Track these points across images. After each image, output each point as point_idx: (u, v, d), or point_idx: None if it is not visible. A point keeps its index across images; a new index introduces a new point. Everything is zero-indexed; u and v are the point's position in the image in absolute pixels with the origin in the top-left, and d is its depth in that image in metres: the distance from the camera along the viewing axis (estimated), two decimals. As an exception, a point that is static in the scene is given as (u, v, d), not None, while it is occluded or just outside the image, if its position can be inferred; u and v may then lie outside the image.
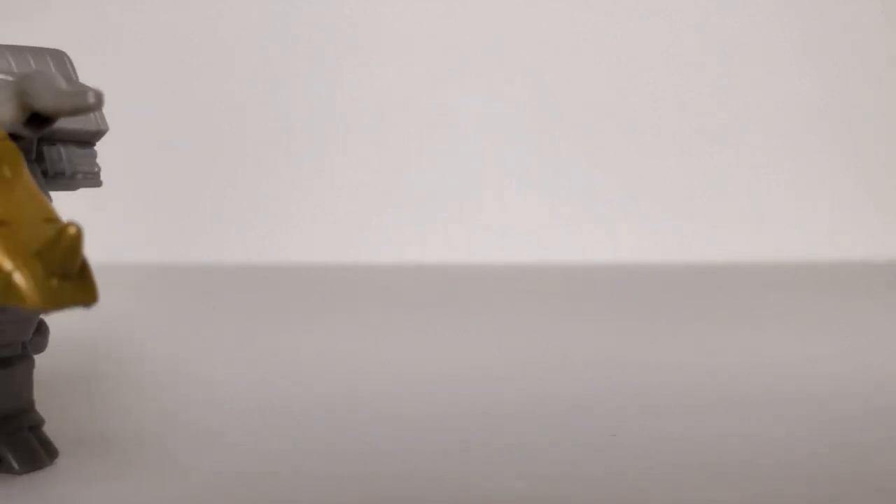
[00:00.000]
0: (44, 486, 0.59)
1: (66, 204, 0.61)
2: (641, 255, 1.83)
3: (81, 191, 0.63)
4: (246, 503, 0.56)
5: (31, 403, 0.62)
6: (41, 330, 0.63)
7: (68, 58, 0.63)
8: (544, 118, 1.91)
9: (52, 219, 0.49)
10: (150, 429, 0.71)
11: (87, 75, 0.62)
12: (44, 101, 0.50)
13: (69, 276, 0.45)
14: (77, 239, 0.45)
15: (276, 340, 1.08)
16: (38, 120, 0.53)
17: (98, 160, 0.63)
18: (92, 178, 0.62)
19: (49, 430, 0.63)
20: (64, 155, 0.61)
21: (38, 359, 0.62)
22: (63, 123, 0.59)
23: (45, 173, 0.59)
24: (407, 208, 1.87)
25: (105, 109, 0.58)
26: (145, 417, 0.75)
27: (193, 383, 0.86)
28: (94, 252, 0.53)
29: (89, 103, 0.49)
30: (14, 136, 0.53)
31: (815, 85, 2.00)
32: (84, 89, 0.49)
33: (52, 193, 0.59)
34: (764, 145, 1.99)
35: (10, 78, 0.53)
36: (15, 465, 0.59)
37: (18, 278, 0.44)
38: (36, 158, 0.58)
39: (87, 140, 0.61)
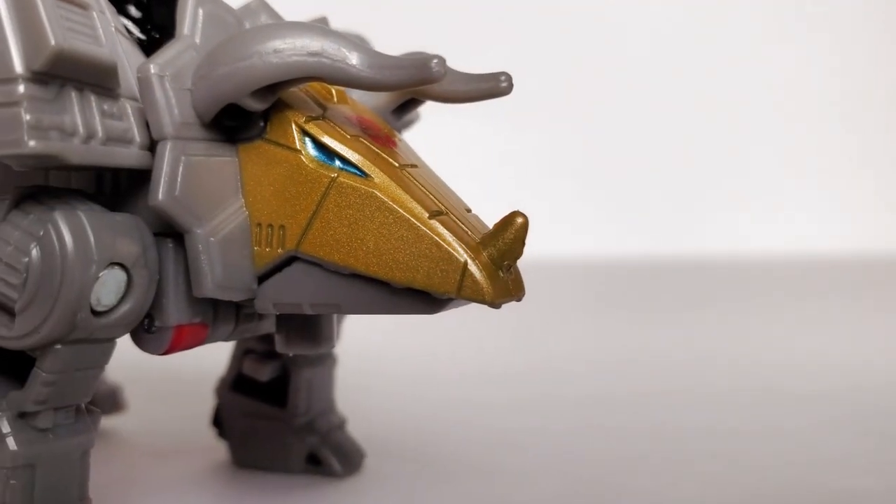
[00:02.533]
0: (364, 489, 0.56)
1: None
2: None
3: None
4: None
5: (334, 402, 0.60)
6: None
7: (369, 42, 0.61)
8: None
9: (468, 208, 0.46)
10: (433, 425, 0.69)
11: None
12: (453, 86, 0.47)
13: (508, 268, 0.43)
14: (525, 229, 0.42)
15: (545, 333, 1.07)
16: (404, 107, 0.51)
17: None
18: None
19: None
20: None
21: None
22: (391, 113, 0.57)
23: None
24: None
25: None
26: (424, 414, 0.72)
27: (461, 381, 0.84)
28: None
29: (502, 87, 0.46)
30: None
31: (846, 84, 2.03)
32: (496, 73, 0.47)
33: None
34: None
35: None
36: (338, 467, 0.57)
37: (474, 270, 0.42)
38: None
39: (402, 129, 0.59)
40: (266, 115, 0.44)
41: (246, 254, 0.43)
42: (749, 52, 2.01)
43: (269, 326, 0.49)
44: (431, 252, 0.42)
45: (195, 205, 0.42)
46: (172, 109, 0.42)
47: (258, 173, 0.44)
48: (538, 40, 1.94)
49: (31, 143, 0.36)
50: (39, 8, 0.37)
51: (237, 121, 0.44)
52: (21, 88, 0.37)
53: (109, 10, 0.46)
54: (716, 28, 2.01)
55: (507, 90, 0.46)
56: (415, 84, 0.41)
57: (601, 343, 1.04)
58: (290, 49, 0.41)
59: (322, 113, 0.45)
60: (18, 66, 0.37)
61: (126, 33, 0.46)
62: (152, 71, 0.41)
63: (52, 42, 0.36)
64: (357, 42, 0.42)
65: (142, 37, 0.49)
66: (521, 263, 0.43)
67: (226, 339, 0.47)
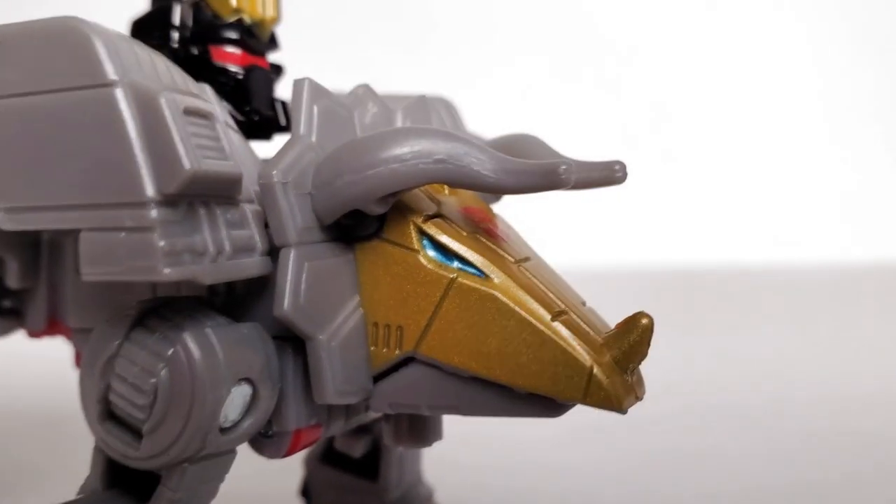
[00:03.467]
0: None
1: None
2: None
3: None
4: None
5: (422, 473, 0.59)
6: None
7: (455, 107, 0.60)
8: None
9: (583, 301, 0.45)
10: (512, 485, 0.68)
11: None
12: None
13: (632, 371, 0.42)
14: (650, 330, 0.41)
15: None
16: None
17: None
18: None
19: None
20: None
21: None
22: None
23: None
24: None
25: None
26: (496, 473, 0.70)
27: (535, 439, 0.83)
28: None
29: (617, 177, 0.45)
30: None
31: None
32: (610, 163, 0.45)
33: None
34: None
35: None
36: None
37: (600, 375, 0.41)
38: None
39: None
40: (382, 214, 0.43)
41: (362, 354, 0.43)
42: (773, 68, 2.00)
43: (375, 414, 0.48)
44: (556, 357, 0.41)
45: (317, 310, 0.41)
46: (295, 216, 0.41)
47: (375, 272, 0.43)
48: (557, 55, 1.93)
49: (167, 270, 0.35)
50: (172, 128, 0.36)
51: (354, 220, 0.43)
52: (153, 213, 0.36)
53: (219, 104, 0.45)
54: (738, 48, 1.99)
55: (621, 179, 0.45)
56: (541, 190, 0.40)
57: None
58: (415, 157, 0.40)
59: (437, 209, 0.44)
60: (150, 189, 0.35)
61: (233, 124, 0.45)
62: (275, 179, 0.40)
63: (188, 166, 0.35)
64: (480, 144, 0.41)
65: (240, 118, 0.48)
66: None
67: (337, 433, 0.46)
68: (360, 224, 0.43)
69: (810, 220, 1.94)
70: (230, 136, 0.41)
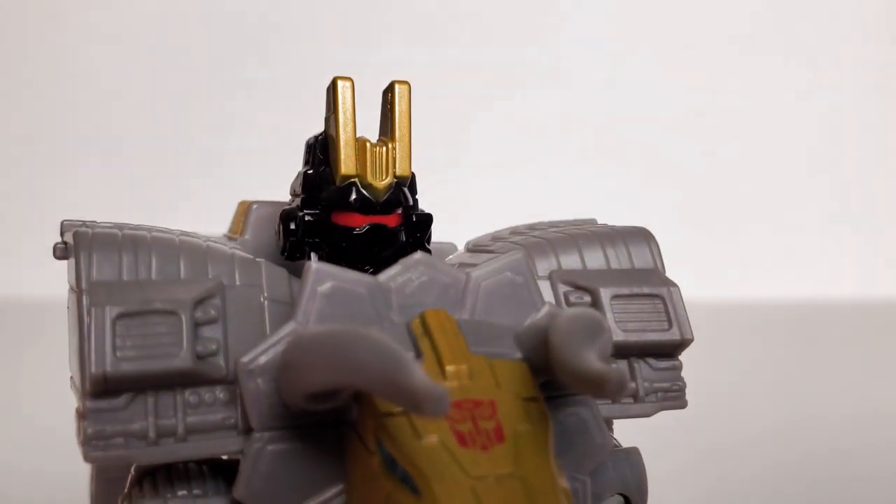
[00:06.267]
0: None
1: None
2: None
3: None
4: None
5: None
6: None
7: (654, 239, 0.54)
8: None
9: None
10: None
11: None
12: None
13: None
14: None
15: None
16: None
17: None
18: (674, 397, 0.51)
19: None
20: (638, 371, 0.51)
21: None
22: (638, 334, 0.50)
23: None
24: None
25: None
26: None
27: None
28: None
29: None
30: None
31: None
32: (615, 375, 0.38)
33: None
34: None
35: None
36: None
37: None
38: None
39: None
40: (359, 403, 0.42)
41: None
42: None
43: None
44: None
45: (278, 496, 0.42)
46: (261, 401, 0.43)
47: (351, 463, 0.43)
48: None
49: (91, 454, 0.41)
50: (90, 337, 0.41)
51: (330, 404, 0.42)
52: (86, 403, 0.41)
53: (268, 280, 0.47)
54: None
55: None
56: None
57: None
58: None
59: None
60: (87, 384, 0.41)
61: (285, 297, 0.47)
62: (241, 367, 0.43)
63: (94, 370, 0.41)
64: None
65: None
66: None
67: None
68: (341, 409, 0.43)
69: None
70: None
